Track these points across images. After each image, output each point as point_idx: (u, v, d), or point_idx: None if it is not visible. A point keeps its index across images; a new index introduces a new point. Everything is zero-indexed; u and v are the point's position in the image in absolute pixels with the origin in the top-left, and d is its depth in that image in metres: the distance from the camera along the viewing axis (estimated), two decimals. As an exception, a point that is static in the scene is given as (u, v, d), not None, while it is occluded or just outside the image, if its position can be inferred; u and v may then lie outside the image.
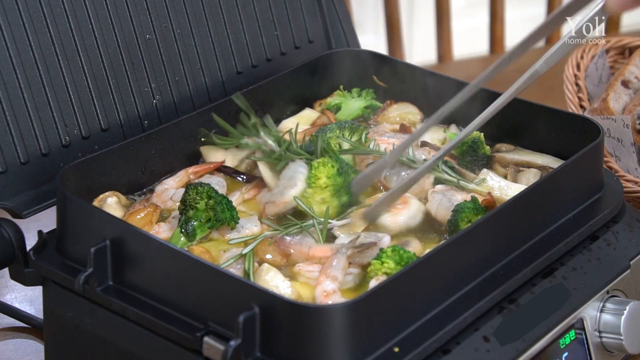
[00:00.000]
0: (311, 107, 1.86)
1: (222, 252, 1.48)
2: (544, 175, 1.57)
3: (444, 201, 1.54)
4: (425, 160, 1.62)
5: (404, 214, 1.54)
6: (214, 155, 1.70)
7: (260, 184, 1.63)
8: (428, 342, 1.30)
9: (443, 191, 1.57)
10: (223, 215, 1.49)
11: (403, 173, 1.60)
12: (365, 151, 1.66)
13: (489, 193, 1.57)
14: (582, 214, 1.54)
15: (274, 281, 1.39)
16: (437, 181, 1.61)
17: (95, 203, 1.56)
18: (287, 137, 1.67)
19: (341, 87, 1.87)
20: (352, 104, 1.83)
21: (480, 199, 1.53)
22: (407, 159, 1.62)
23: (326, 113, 1.83)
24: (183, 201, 1.49)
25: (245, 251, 1.44)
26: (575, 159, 1.52)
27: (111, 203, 1.56)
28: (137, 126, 1.70)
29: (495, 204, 1.52)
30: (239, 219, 1.52)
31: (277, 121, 1.82)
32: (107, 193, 1.58)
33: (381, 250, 1.39)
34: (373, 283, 1.36)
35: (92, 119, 1.65)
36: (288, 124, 1.81)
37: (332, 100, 1.85)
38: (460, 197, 1.55)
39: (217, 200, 1.48)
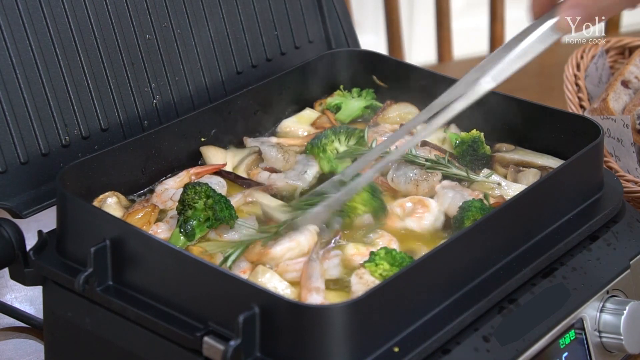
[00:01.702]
0: (311, 107, 1.86)
1: (219, 253, 1.47)
2: (544, 175, 1.57)
3: (456, 197, 1.54)
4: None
5: (427, 217, 1.53)
6: (214, 155, 1.70)
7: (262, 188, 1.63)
8: (428, 342, 1.30)
9: (453, 187, 1.57)
10: (222, 214, 1.48)
11: (410, 174, 1.60)
12: (368, 152, 1.66)
13: (501, 196, 1.57)
14: (582, 214, 1.54)
15: (271, 282, 1.38)
16: (445, 177, 1.61)
17: (95, 203, 1.56)
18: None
19: (341, 87, 1.87)
20: (352, 104, 1.83)
21: (491, 198, 1.54)
22: (413, 156, 1.62)
23: (326, 113, 1.83)
24: (181, 201, 1.49)
25: (233, 254, 1.44)
26: (575, 159, 1.52)
27: (111, 203, 1.56)
28: (137, 126, 1.70)
29: None
30: (237, 217, 1.51)
31: (278, 120, 1.82)
32: (107, 193, 1.58)
33: (373, 253, 1.38)
34: (355, 282, 1.36)
35: (92, 119, 1.65)
36: (288, 123, 1.81)
37: (333, 100, 1.85)
38: (468, 194, 1.55)
39: (215, 200, 1.48)
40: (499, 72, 1.41)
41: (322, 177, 1.65)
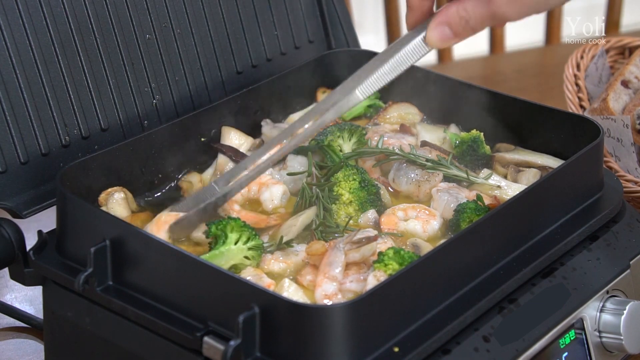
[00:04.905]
0: (314, 98, 1.86)
1: None
2: (544, 175, 1.57)
3: (450, 200, 1.54)
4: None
5: (434, 223, 1.54)
6: (235, 135, 1.71)
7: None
8: (428, 342, 1.30)
9: (448, 189, 1.57)
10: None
11: (411, 174, 1.60)
12: (371, 151, 1.66)
13: (495, 197, 1.57)
14: (582, 214, 1.54)
15: (294, 297, 1.38)
16: (446, 178, 1.61)
17: (102, 196, 1.56)
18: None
19: None
20: None
21: (485, 197, 1.54)
22: (414, 156, 1.62)
23: (329, 109, 1.83)
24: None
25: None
26: (575, 159, 1.52)
27: (118, 199, 1.56)
28: (137, 126, 1.70)
29: None
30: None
31: (278, 120, 1.82)
32: (115, 187, 1.57)
33: (381, 253, 1.38)
34: (373, 283, 1.36)
35: (92, 119, 1.65)
36: (296, 118, 1.81)
37: None
38: (464, 195, 1.56)
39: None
40: (369, 86, 1.42)
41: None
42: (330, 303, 1.35)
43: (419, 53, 1.39)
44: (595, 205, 1.56)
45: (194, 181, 1.67)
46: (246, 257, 1.44)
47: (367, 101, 1.84)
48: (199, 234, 1.50)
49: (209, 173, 1.69)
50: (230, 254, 1.42)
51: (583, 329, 1.46)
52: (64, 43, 1.62)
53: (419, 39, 1.38)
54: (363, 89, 1.42)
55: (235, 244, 1.43)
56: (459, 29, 1.34)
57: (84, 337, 1.44)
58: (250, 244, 1.44)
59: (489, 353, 1.34)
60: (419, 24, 1.39)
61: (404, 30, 1.44)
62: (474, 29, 1.34)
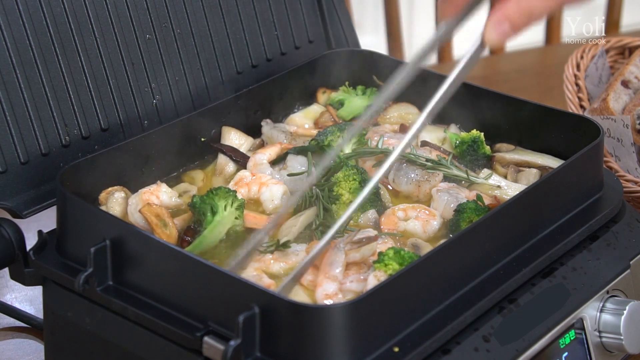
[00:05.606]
0: (315, 98, 1.86)
1: None
2: (544, 175, 1.57)
3: (450, 200, 1.54)
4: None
5: (434, 223, 1.53)
6: (235, 135, 1.72)
7: None
8: (428, 342, 1.30)
9: (448, 189, 1.57)
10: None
11: (412, 174, 1.60)
12: (371, 151, 1.66)
13: (495, 196, 1.57)
14: (582, 214, 1.54)
15: (294, 298, 1.37)
16: (446, 178, 1.61)
17: (103, 195, 1.56)
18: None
19: (347, 83, 1.87)
20: (355, 101, 1.84)
21: (485, 197, 1.54)
22: (414, 156, 1.62)
23: (328, 108, 1.83)
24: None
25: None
26: (575, 159, 1.52)
27: (118, 198, 1.56)
28: (137, 126, 1.70)
29: None
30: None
31: (278, 120, 1.82)
32: (115, 187, 1.58)
33: (381, 253, 1.38)
34: (373, 283, 1.36)
35: (92, 119, 1.65)
36: (296, 118, 1.81)
37: (337, 95, 1.85)
38: (464, 195, 1.56)
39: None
40: (436, 105, 1.38)
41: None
42: (330, 303, 1.35)
43: (475, 58, 1.36)
44: (595, 205, 1.56)
45: (197, 178, 1.67)
46: (236, 218, 1.50)
47: (367, 101, 1.84)
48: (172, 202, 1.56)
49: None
50: (225, 221, 1.49)
51: (583, 329, 1.46)
52: (64, 43, 1.62)
53: (475, 45, 1.34)
54: (430, 109, 1.38)
55: (225, 209, 1.49)
56: (520, 22, 1.29)
57: (84, 337, 1.44)
58: (236, 204, 1.50)
59: (489, 353, 1.34)
60: (451, 17, 1.35)
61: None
62: (537, 18, 1.29)
